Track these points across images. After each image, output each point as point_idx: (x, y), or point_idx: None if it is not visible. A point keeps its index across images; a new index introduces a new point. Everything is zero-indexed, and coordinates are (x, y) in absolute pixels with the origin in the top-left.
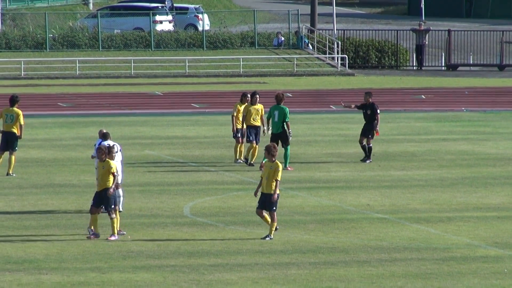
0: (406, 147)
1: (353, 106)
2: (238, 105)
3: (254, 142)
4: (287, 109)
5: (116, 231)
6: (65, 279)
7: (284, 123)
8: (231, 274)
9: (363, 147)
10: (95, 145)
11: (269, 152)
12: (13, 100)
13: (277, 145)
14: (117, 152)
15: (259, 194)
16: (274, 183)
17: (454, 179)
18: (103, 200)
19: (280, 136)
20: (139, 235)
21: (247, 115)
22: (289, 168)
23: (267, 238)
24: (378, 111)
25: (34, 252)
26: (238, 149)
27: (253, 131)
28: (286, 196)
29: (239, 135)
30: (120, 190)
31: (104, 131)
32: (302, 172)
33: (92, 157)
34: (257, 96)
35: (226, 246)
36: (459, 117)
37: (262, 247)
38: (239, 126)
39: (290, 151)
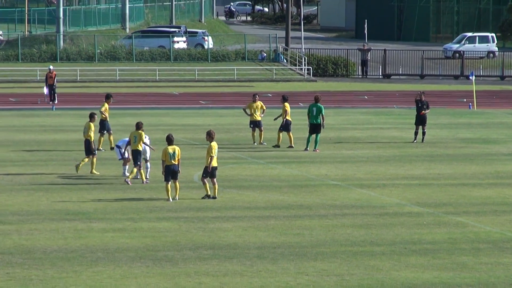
0: (353, 133)
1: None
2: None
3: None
4: (323, 106)
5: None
6: (108, 226)
7: (320, 116)
8: (227, 224)
9: (416, 133)
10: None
11: (209, 135)
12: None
13: (313, 133)
14: (145, 137)
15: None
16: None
17: (388, 157)
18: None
19: (316, 126)
20: (163, 195)
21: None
22: (317, 150)
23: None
24: (429, 106)
25: (86, 207)
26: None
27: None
28: (267, 168)
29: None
30: (148, 163)
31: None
32: (279, 151)
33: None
34: (257, 96)
35: (223, 203)
36: (392, 112)
37: (250, 204)
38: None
39: (321, 138)
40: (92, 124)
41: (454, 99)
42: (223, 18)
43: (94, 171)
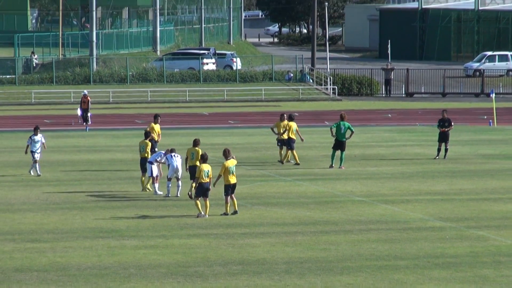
0: (377, 151)
1: (439, 127)
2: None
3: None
4: (349, 124)
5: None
6: (140, 243)
7: (350, 131)
8: (256, 240)
9: (438, 149)
10: (163, 154)
11: (223, 154)
12: (147, 134)
13: (338, 149)
14: (177, 156)
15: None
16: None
17: (411, 173)
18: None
19: (342, 143)
20: (192, 212)
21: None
22: (343, 167)
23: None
24: (453, 123)
25: (119, 225)
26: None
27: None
28: (294, 185)
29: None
30: (179, 182)
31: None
32: (305, 168)
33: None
34: (285, 115)
35: (252, 220)
36: (414, 130)
37: (277, 220)
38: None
39: (340, 153)
40: (148, 142)
41: (475, 116)
42: (269, 40)
43: (148, 187)
